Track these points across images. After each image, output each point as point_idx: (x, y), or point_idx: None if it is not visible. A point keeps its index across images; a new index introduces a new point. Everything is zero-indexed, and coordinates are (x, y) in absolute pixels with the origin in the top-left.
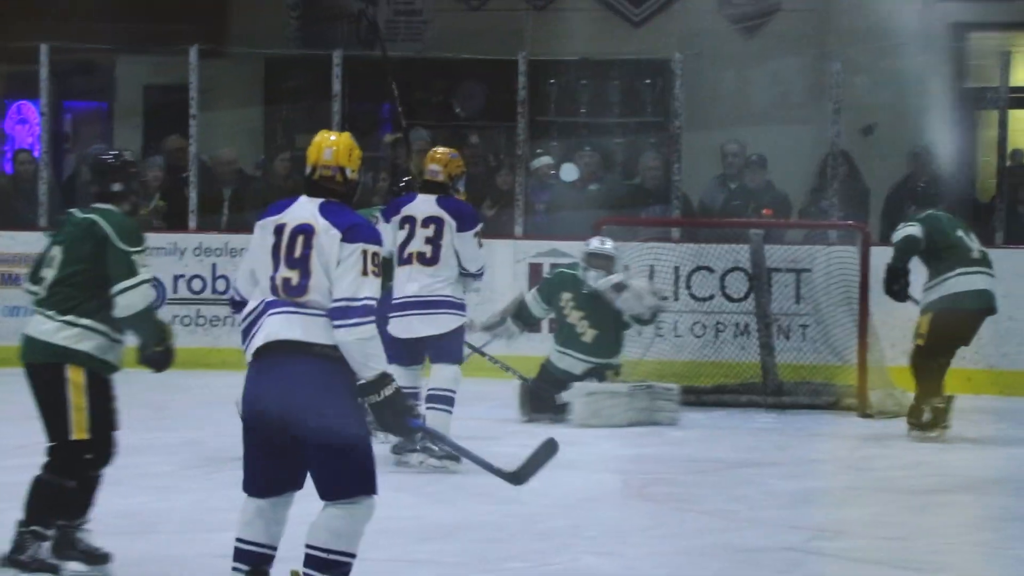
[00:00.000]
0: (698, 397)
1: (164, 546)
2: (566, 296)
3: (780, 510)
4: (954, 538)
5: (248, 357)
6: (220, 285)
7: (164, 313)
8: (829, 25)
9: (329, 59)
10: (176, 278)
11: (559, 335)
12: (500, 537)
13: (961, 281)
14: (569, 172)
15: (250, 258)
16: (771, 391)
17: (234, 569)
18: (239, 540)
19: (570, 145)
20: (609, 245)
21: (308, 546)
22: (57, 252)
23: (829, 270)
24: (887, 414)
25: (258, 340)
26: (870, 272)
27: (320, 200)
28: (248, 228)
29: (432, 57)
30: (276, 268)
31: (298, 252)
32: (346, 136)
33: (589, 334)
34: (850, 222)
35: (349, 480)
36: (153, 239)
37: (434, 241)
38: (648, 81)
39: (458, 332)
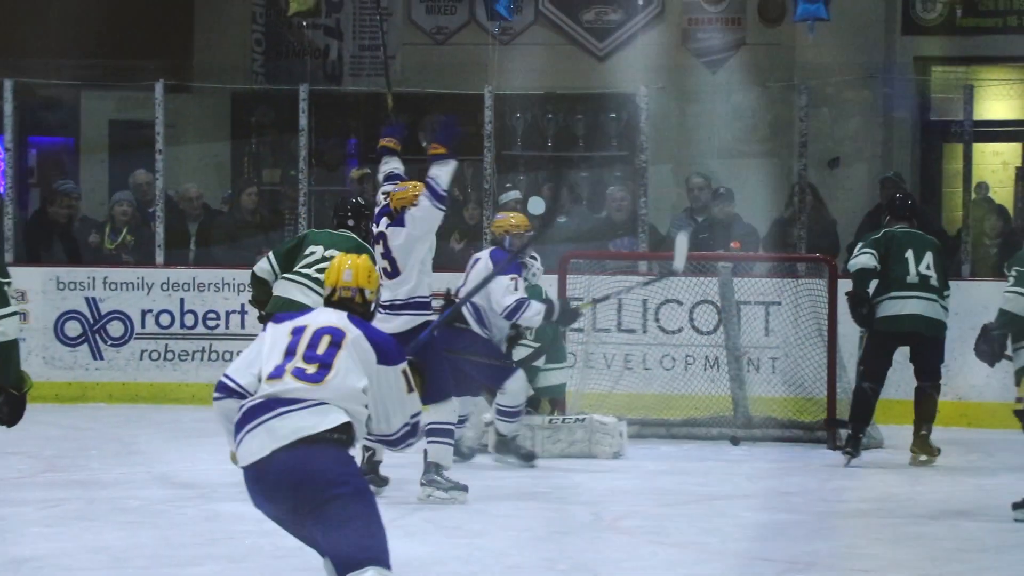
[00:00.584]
0: (668, 430)
1: None
2: None
3: (752, 542)
4: (926, 570)
5: (248, 458)
6: (188, 320)
7: (132, 348)
8: (794, 59)
9: (295, 94)
10: (144, 313)
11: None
12: (470, 571)
13: (888, 305)
14: (536, 205)
15: (254, 353)
16: (741, 424)
17: None
18: None
19: (537, 179)
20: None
21: None
22: None
23: (798, 302)
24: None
25: (263, 448)
26: (838, 304)
27: (345, 312)
28: (215, 263)
29: (398, 91)
30: (289, 359)
31: (322, 349)
32: (365, 258)
33: None
34: (817, 255)
35: (377, 545)
36: (121, 274)
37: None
38: (613, 115)
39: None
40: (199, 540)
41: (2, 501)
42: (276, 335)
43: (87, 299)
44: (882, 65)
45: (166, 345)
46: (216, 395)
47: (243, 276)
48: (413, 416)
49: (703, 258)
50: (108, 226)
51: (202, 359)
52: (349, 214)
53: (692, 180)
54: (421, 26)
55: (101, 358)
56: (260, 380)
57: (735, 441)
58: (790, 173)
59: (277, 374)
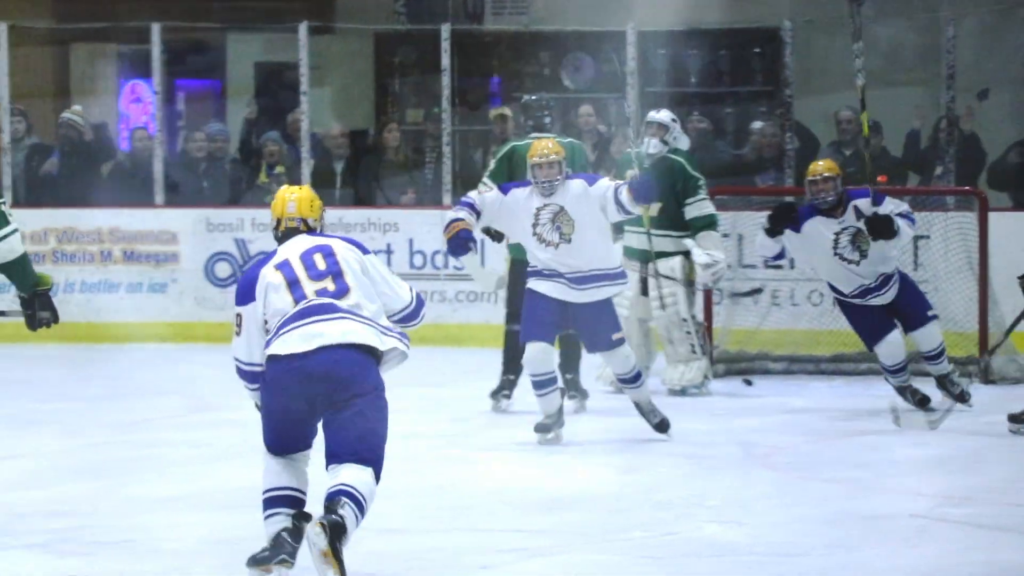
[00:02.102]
0: (817, 366)
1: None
2: (630, 174)
3: (905, 477)
4: None
5: (299, 349)
6: None
7: None
8: None
9: (438, 33)
10: None
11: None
12: (621, 507)
13: None
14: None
15: (253, 321)
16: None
17: (271, 516)
18: (269, 491)
19: (680, 115)
20: (663, 113)
21: (333, 486)
22: None
23: (947, 235)
24: (1009, 379)
25: (326, 339)
26: (988, 237)
27: (300, 235)
28: (364, 202)
29: (539, 30)
30: (300, 288)
31: (322, 265)
32: (307, 189)
33: (653, 206)
34: (967, 187)
35: (375, 452)
36: (269, 214)
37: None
38: (758, 49)
39: None
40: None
41: (158, 440)
42: (263, 284)
43: (236, 240)
44: None
45: None
46: (250, 387)
47: (388, 215)
48: (414, 299)
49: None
50: (264, 164)
51: None
52: (545, 113)
53: (840, 113)
54: None
55: None
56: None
57: (748, 382)
58: (938, 105)
59: (302, 299)
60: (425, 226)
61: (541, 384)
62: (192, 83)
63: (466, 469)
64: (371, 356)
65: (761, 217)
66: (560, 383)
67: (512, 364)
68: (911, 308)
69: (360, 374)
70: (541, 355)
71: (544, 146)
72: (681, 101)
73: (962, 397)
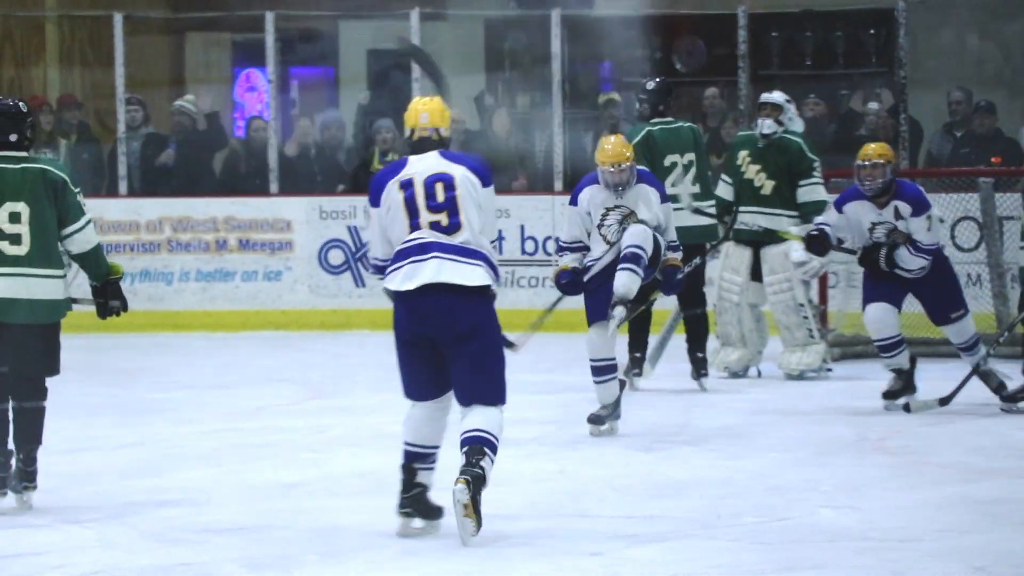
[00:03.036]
0: (932, 348)
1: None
2: (742, 154)
3: (1020, 460)
4: None
5: (402, 287)
6: None
7: None
8: None
9: (548, 19)
10: None
11: (740, 198)
12: (732, 492)
13: None
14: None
15: (379, 223)
16: (1007, 341)
17: (405, 467)
18: (406, 444)
19: (795, 96)
20: (777, 94)
21: (466, 431)
22: None
23: None
24: None
25: (422, 278)
26: None
27: (434, 152)
28: None
29: (650, 13)
30: (416, 216)
31: (441, 197)
32: (437, 100)
33: (767, 186)
34: None
35: (495, 389)
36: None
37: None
38: (872, 31)
39: None
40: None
41: (272, 427)
42: (389, 198)
43: (349, 228)
44: None
45: None
46: (378, 276)
47: (500, 201)
48: (492, 241)
49: (963, 174)
50: (376, 150)
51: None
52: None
53: (952, 95)
54: None
55: (363, 285)
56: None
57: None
58: None
59: (416, 229)
60: (536, 212)
61: (600, 371)
62: (305, 71)
63: (576, 455)
64: (469, 294)
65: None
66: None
67: (636, 343)
68: (936, 303)
69: (461, 315)
70: (600, 340)
71: (618, 153)
72: (795, 83)
73: (999, 390)
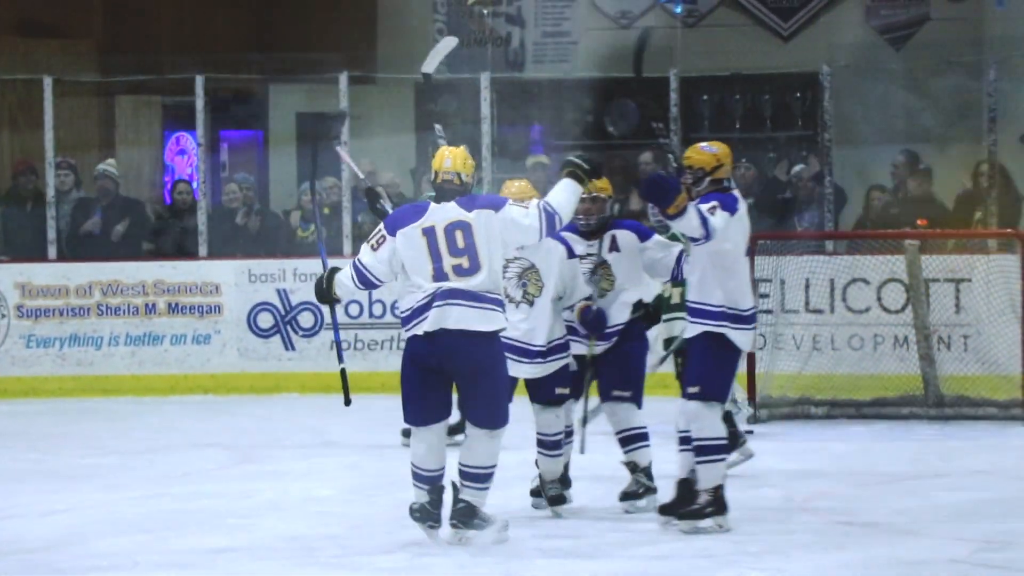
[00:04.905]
0: (858, 410)
1: (325, 569)
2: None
3: (945, 522)
4: None
5: (419, 331)
6: (377, 309)
7: (323, 338)
8: (982, 32)
9: (478, 82)
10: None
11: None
12: (662, 554)
13: None
14: None
15: (389, 247)
16: (933, 403)
17: (416, 486)
18: (416, 467)
19: None
20: None
21: (463, 465)
22: None
23: (989, 279)
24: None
25: (435, 323)
26: None
27: (452, 202)
28: None
29: (582, 77)
30: (440, 260)
31: (461, 243)
32: (462, 149)
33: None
34: (1009, 230)
35: (497, 414)
36: (310, 265)
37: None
38: (798, 95)
39: None
40: (391, 528)
41: (200, 492)
42: (410, 239)
43: (278, 291)
44: None
45: (356, 335)
46: (354, 284)
47: None
48: (538, 212)
49: (891, 236)
50: (300, 215)
51: (391, 348)
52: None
53: (896, 157)
54: (605, 11)
55: (293, 349)
56: (406, 277)
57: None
58: (979, 149)
59: (441, 277)
60: None
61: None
62: (235, 134)
63: (514, 520)
64: (487, 339)
65: (801, 261)
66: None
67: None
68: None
69: (472, 355)
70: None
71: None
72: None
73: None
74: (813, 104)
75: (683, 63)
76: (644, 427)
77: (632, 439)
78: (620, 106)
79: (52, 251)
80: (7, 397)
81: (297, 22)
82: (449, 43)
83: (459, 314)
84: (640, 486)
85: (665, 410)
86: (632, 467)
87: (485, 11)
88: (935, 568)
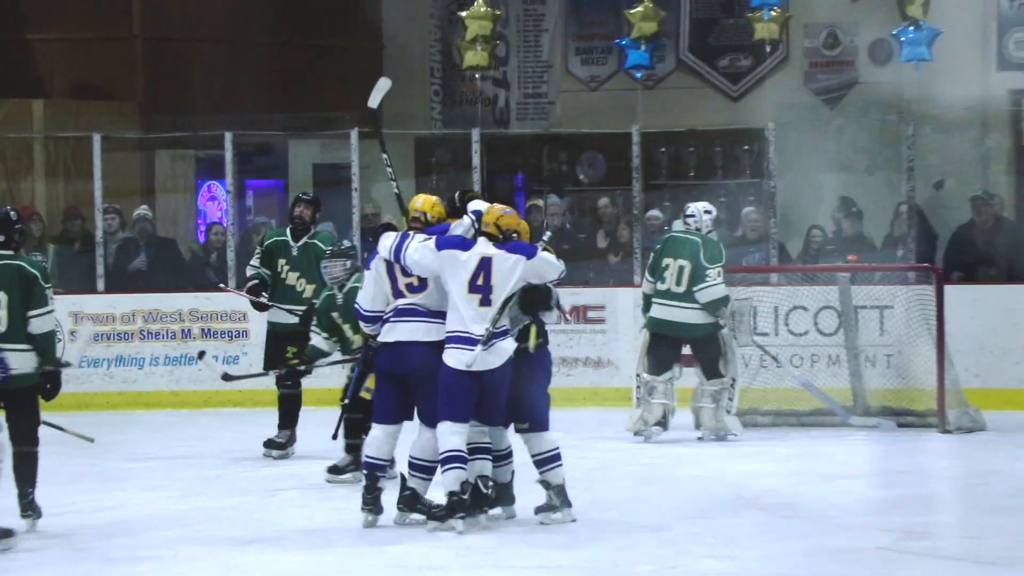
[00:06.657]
0: (799, 419)
1: (341, 557)
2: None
3: (872, 515)
4: None
5: (387, 339)
6: None
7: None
8: (902, 94)
9: (469, 137)
10: None
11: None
12: (628, 544)
13: None
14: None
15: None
16: (861, 412)
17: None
18: (368, 457)
19: (681, 204)
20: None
21: (413, 457)
22: None
23: (909, 306)
24: (963, 429)
25: (393, 336)
26: (944, 307)
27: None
28: None
29: (558, 132)
30: (397, 286)
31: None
32: (434, 198)
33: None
34: (925, 264)
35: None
36: None
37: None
38: (746, 147)
39: None
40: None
41: (230, 491)
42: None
43: None
44: (981, 98)
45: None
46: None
47: None
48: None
49: (824, 269)
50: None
51: None
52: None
53: (833, 202)
54: (577, 75)
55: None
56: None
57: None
58: (899, 194)
59: (398, 295)
60: None
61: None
62: (259, 182)
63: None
64: (432, 348)
65: (749, 292)
66: None
67: None
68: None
69: (418, 363)
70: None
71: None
72: (682, 192)
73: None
74: (759, 156)
75: (644, 120)
76: (554, 449)
77: (543, 462)
78: (590, 157)
79: (100, 284)
80: (61, 410)
81: (313, 85)
82: (385, 83)
83: (407, 328)
84: (554, 500)
85: None
86: (546, 485)
87: (476, 76)
88: (865, 555)
